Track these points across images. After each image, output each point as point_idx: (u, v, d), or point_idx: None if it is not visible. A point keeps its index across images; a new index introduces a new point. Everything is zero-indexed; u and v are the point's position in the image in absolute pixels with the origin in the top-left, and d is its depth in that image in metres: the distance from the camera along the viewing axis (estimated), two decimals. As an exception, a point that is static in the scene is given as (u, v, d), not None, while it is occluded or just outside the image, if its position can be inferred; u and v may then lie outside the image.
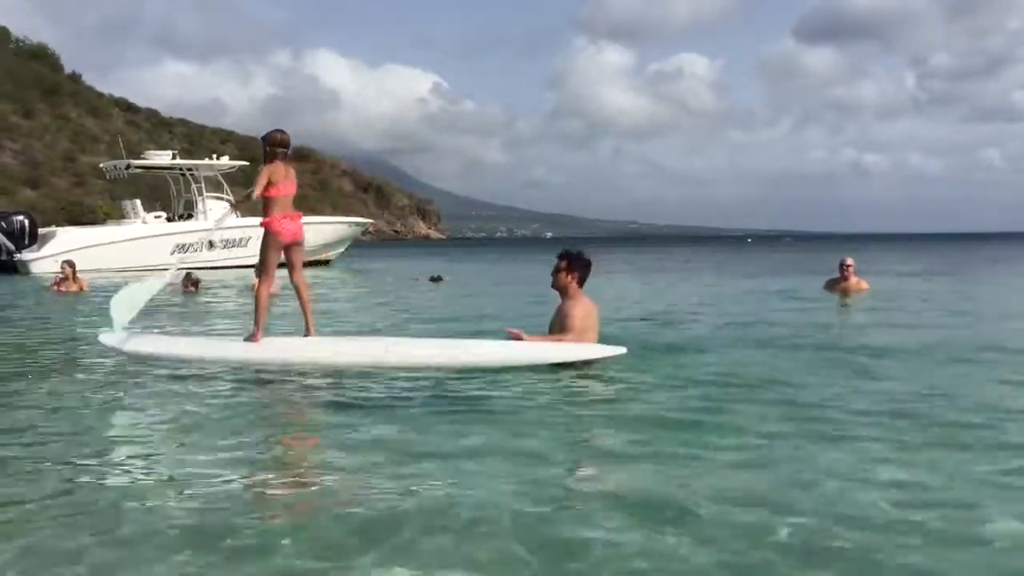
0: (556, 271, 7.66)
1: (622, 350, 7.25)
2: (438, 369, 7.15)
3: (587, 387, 6.65)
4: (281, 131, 8.20)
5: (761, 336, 9.64)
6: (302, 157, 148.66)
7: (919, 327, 10.82)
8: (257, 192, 7.86)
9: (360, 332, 9.91)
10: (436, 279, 22.28)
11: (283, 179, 7.96)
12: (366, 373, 7.07)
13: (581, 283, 7.66)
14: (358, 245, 43.34)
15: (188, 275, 18.47)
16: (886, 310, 13.09)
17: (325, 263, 34.54)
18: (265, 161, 8.05)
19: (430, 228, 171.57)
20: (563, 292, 7.68)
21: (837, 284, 15.71)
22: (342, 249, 36.30)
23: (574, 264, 7.62)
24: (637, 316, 12.07)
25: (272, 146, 8.03)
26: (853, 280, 15.59)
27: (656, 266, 35.20)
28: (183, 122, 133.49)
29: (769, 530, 3.47)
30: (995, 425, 5.21)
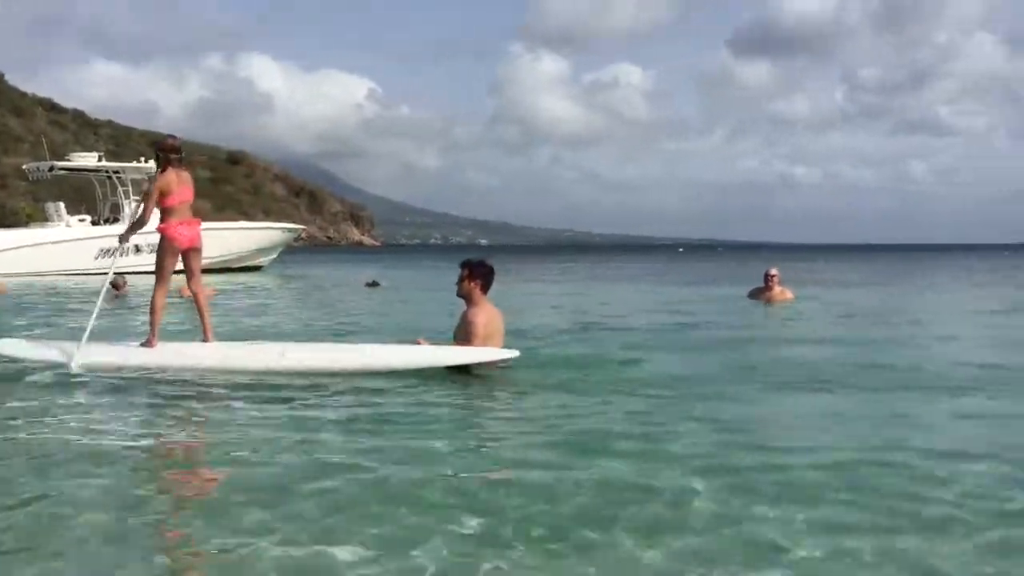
0: (460, 280, 7.82)
1: (515, 353, 7.44)
2: (335, 374, 7.28)
3: (476, 390, 6.87)
4: (172, 136, 8.33)
5: (673, 343, 9.95)
6: (235, 161, 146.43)
7: (835, 339, 11.13)
8: (147, 215, 7.96)
9: (283, 338, 9.81)
10: (373, 284, 22.24)
11: (177, 187, 7.99)
12: (262, 378, 7.17)
13: (485, 290, 7.82)
14: (290, 251, 42.92)
15: (116, 278, 18.13)
16: (807, 319, 13.52)
17: (257, 269, 34.14)
18: (159, 168, 8.07)
19: (363, 234, 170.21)
20: (468, 299, 7.83)
21: (762, 293, 16.22)
22: (274, 255, 35.92)
23: (476, 271, 7.78)
24: (557, 323, 12.30)
25: (165, 152, 8.06)
26: (777, 290, 16.12)
27: (587, 274, 35.59)
28: (110, 123, 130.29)
29: (661, 530, 3.62)
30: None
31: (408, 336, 8.39)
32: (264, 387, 6.86)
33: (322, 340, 9.35)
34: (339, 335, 10.67)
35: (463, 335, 7.66)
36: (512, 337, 8.22)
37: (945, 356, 9.10)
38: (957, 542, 3.51)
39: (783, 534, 3.55)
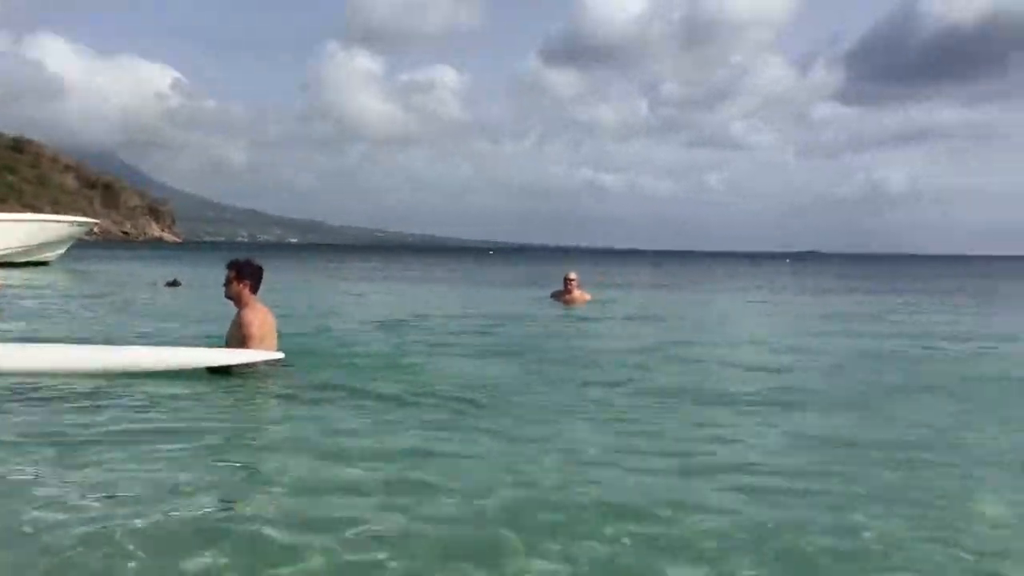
0: (227, 281, 7.67)
1: (279, 355, 7.36)
2: (91, 374, 6.99)
3: (237, 392, 6.74)
4: None
5: (466, 344, 10.22)
6: (18, 148, 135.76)
7: (624, 338, 11.90)
8: None
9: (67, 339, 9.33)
10: (173, 284, 21.34)
11: None
12: (23, 379, 6.81)
13: (255, 290, 7.72)
14: (81, 246, 40.34)
15: None
16: (599, 321, 14.24)
17: (43, 264, 31.94)
18: None
19: (164, 230, 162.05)
20: (237, 301, 7.70)
21: (561, 296, 17.02)
22: (62, 250, 33.68)
23: (243, 272, 7.66)
24: (350, 324, 12.40)
25: None
26: (576, 292, 17.00)
27: (395, 275, 35.58)
28: None
29: (406, 532, 3.72)
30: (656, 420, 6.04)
31: (197, 339, 8.18)
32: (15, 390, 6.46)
33: (114, 343, 8.95)
34: (128, 337, 10.26)
35: (237, 338, 7.45)
36: (291, 339, 8.18)
37: (715, 357, 9.89)
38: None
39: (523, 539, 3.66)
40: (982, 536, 3.80)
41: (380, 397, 6.63)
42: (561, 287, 17.26)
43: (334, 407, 6.26)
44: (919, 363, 9.64)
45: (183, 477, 4.34)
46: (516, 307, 16.54)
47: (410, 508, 3.93)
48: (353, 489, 4.22)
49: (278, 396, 6.71)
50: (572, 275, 17.42)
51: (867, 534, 3.74)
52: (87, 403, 6.10)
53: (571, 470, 4.65)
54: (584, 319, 14.40)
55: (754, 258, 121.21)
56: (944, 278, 43.54)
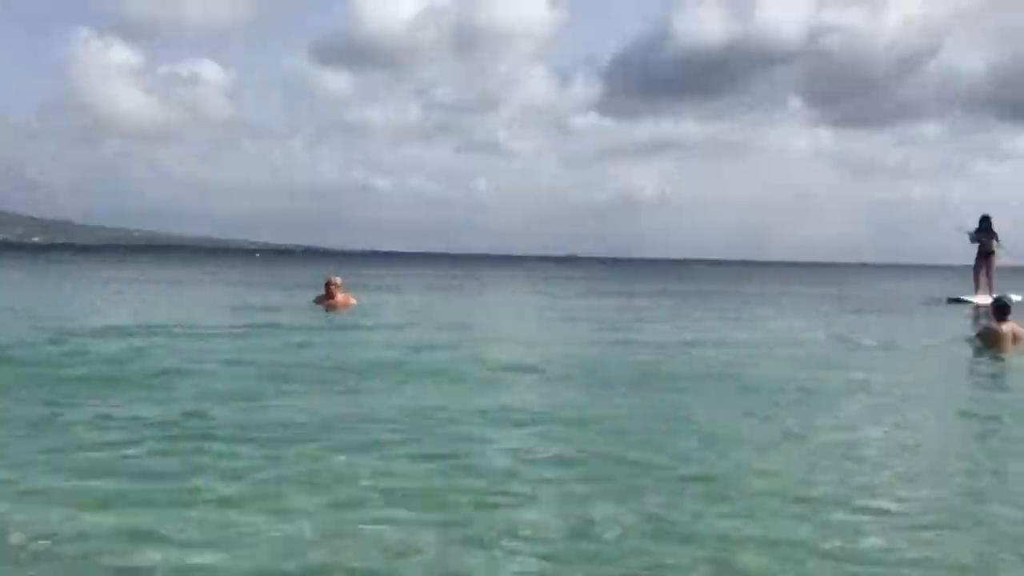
0: None
1: None
2: None
3: None
4: None
5: (211, 353, 9.71)
6: None
7: (383, 341, 11.66)
8: None
9: None
10: None
11: None
12: None
13: None
14: None
15: None
16: (361, 325, 13.87)
17: None
18: None
19: None
20: None
21: (323, 300, 16.54)
22: None
23: None
24: (72, 330, 11.47)
25: None
26: (340, 296, 16.58)
27: (150, 277, 33.45)
28: None
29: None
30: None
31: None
32: None
33: None
34: None
35: None
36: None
37: (474, 353, 9.96)
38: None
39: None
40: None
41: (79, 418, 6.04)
42: (322, 291, 16.81)
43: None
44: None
45: None
46: (274, 313, 15.80)
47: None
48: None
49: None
50: (336, 279, 17.03)
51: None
52: None
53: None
54: (342, 325, 14.01)
55: (525, 260, 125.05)
56: (679, 282, 46.65)
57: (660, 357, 10.26)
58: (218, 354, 9.56)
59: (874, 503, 4.42)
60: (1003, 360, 10.67)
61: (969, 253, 24.10)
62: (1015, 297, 13.39)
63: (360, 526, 3.87)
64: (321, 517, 3.95)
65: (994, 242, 23.56)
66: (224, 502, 4.12)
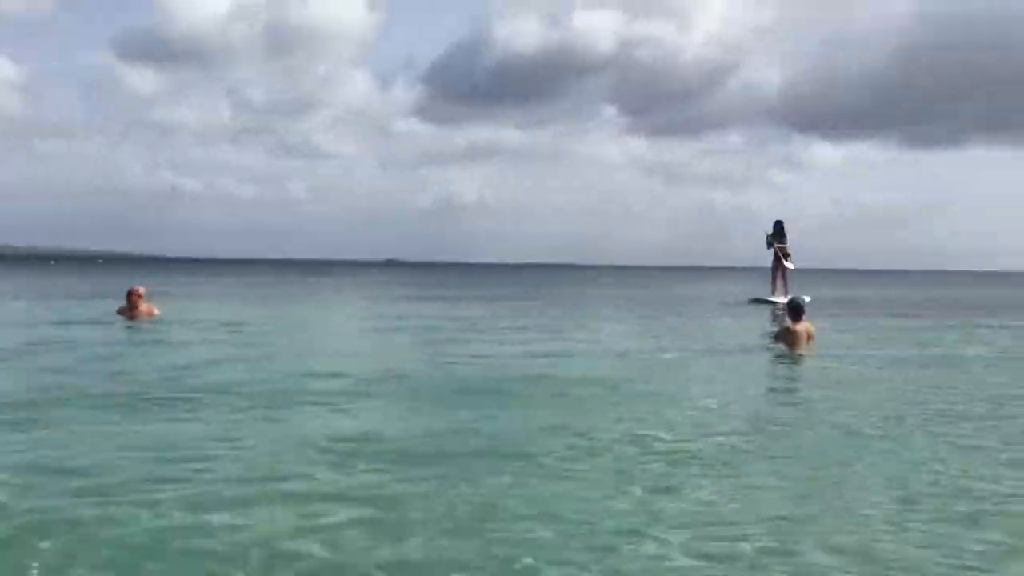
0: None
1: None
2: None
3: None
4: None
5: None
6: None
7: (185, 356, 11.06)
8: None
9: None
10: None
11: None
12: None
13: None
14: None
15: None
16: (163, 337, 13.14)
17: None
18: None
19: None
20: None
21: (127, 311, 15.72)
22: None
23: None
24: None
25: None
26: (143, 307, 15.86)
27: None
28: None
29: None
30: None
31: None
32: None
33: None
34: None
35: None
36: None
37: (276, 369, 9.60)
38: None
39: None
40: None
41: None
42: (123, 302, 15.92)
43: None
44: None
45: None
46: (70, 327, 14.67)
47: None
48: None
49: None
50: (140, 289, 16.29)
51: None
52: None
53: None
54: (152, 337, 13.22)
55: (348, 265, 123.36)
56: (499, 287, 47.38)
57: (471, 370, 10.08)
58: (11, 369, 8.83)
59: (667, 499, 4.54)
60: (800, 357, 11.39)
61: (767, 256, 25.95)
62: (806, 298, 14.91)
63: None
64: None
65: (787, 246, 25.49)
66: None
